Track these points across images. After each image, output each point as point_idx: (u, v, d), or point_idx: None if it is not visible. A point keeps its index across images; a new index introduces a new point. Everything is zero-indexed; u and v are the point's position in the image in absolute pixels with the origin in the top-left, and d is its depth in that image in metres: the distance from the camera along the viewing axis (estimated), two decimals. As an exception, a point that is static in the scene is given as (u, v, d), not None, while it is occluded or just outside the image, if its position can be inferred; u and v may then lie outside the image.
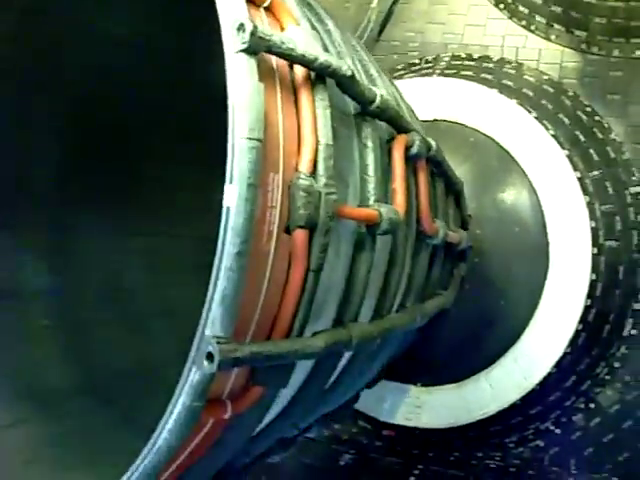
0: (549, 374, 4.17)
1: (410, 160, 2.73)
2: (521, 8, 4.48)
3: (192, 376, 1.92)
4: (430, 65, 4.63)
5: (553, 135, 4.14)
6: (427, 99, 4.32)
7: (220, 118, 3.72)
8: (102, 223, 3.68)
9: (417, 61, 4.73)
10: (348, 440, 4.66)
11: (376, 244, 2.46)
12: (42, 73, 3.15)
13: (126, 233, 3.78)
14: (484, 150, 4.24)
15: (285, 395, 2.42)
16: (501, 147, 4.21)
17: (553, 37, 4.40)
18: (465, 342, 4.25)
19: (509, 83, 4.32)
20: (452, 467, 4.34)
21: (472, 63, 4.56)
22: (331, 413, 3.26)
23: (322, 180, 2.15)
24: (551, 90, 4.34)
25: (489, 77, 4.36)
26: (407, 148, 2.69)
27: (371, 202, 2.43)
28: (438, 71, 4.50)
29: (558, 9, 4.26)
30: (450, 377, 4.32)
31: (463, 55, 4.68)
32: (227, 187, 1.91)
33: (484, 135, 4.24)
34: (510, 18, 4.56)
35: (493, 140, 4.23)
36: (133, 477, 2.09)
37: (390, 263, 2.64)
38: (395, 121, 2.65)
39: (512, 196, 4.19)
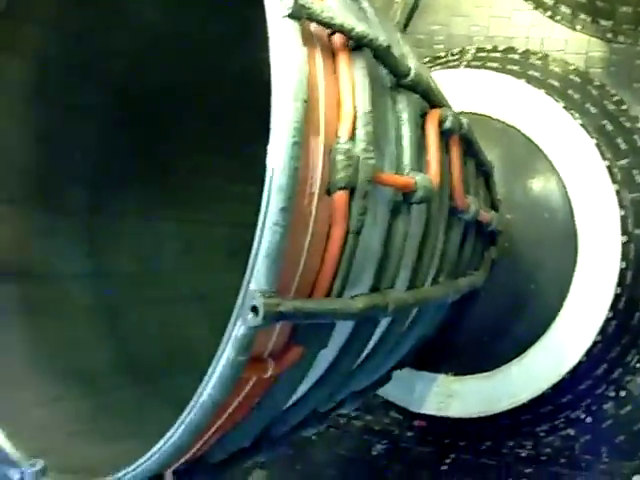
0: (579, 363, 4.15)
1: (443, 135, 2.79)
2: (546, -1, 4.54)
3: (237, 330, 1.99)
4: (456, 58, 4.68)
5: (581, 124, 4.17)
6: (453, 92, 4.34)
7: (251, 104, 3.83)
8: (136, 208, 3.79)
9: (443, 54, 4.79)
10: (380, 431, 4.67)
11: (411, 213, 2.53)
12: (80, 58, 3.25)
13: (159, 218, 3.88)
14: (511, 141, 4.26)
15: (324, 359, 2.47)
16: (528, 138, 4.25)
17: (578, 27, 4.44)
18: (495, 330, 4.25)
19: (535, 74, 4.35)
20: (483, 456, 4.33)
21: (498, 55, 4.60)
22: (364, 391, 3.30)
23: (361, 145, 2.23)
24: (577, 80, 4.37)
25: (515, 68, 4.40)
26: (440, 123, 2.75)
27: (406, 172, 2.49)
28: (464, 63, 4.56)
29: (584, -2, 4.32)
30: (481, 366, 4.30)
31: (489, 47, 4.72)
32: (271, 146, 1.99)
33: (511, 126, 4.27)
34: (535, 9, 4.59)
35: (520, 131, 4.26)
36: (177, 433, 2.15)
37: (424, 235, 2.69)
38: (428, 95, 2.72)
39: (540, 184, 4.20)
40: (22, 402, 2.92)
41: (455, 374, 4.39)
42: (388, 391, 4.62)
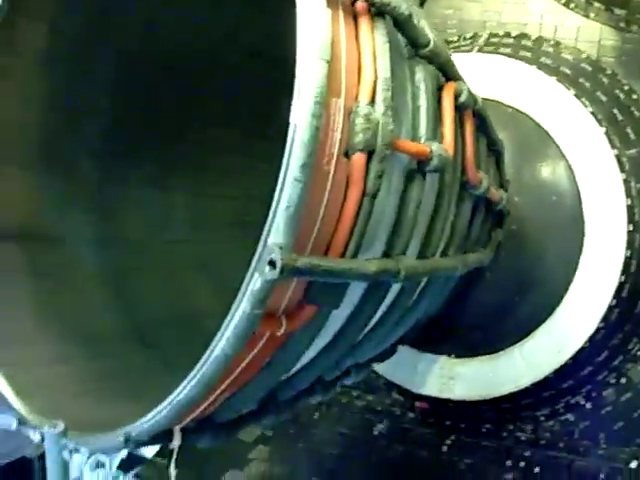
0: (582, 348, 4.19)
1: (457, 109, 2.82)
2: (559, -14, 4.55)
3: (254, 283, 2.01)
4: (468, 43, 4.71)
5: (591, 112, 4.20)
6: (465, 76, 4.40)
7: (264, 81, 3.85)
8: (147, 177, 3.83)
9: (455, 38, 4.82)
10: (382, 411, 4.72)
11: (425, 182, 2.55)
12: (95, 26, 3.27)
13: (169, 189, 3.91)
14: (521, 126, 4.29)
15: (335, 321, 2.50)
16: (538, 124, 4.28)
17: (592, 15, 4.47)
18: (499, 313, 4.29)
19: (547, 61, 4.39)
20: (484, 438, 4.37)
21: (510, 41, 4.63)
22: (369, 363, 3.33)
23: (380, 109, 2.26)
24: (589, 68, 4.41)
25: (527, 55, 4.44)
26: (456, 97, 2.78)
27: (422, 141, 2.52)
28: (476, 48, 4.59)
29: (597, -13, 4.34)
30: (484, 349, 4.35)
31: (501, 33, 4.75)
32: (294, 104, 2.02)
33: (522, 112, 4.30)
34: (549, -4, 4.63)
35: (530, 117, 4.29)
36: (189, 386, 2.17)
37: (436, 205, 2.72)
38: (445, 68, 2.75)
39: (549, 170, 4.24)
40: (31, 361, 2.96)
41: (458, 356, 4.42)
42: (391, 372, 4.67)
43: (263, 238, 2.02)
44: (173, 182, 3.97)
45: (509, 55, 4.42)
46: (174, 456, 2.43)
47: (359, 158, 2.21)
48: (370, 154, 2.24)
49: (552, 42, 4.51)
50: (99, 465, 3.55)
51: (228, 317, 2.09)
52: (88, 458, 2.92)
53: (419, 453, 4.36)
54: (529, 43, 4.54)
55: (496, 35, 4.68)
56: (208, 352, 2.14)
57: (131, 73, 3.52)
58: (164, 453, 4.50)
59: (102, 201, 3.63)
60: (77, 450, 3.51)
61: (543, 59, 4.38)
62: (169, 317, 3.58)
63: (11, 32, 3.07)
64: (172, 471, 2.45)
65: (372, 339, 2.91)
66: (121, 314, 3.46)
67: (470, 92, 2.88)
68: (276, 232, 1.98)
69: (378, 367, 4.67)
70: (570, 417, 4.30)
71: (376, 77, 2.31)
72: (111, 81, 3.49)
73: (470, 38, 4.75)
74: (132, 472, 3.67)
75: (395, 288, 2.67)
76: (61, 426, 2.64)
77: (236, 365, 2.28)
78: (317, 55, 2.01)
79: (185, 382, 2.22)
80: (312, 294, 2.28)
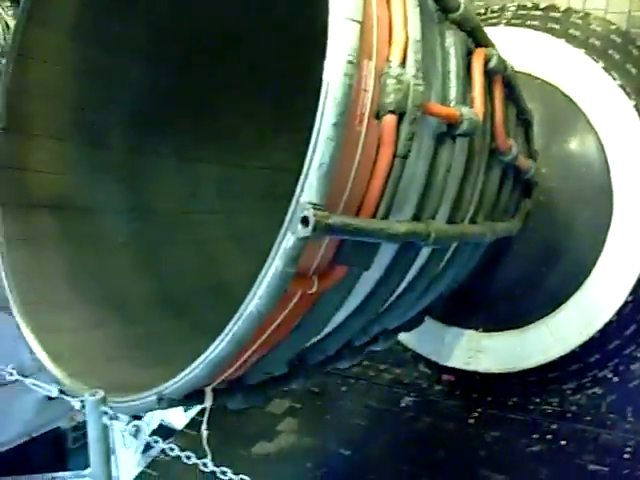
0: (610, 322, 4.17)
1: (487, 75, 2.82)
2: (589, -43, 4.49)
3: (286, 242, 2.04)
4: (496, 15, 4.67)
5: (620, 85, 4.16)
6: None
7: (293, 55, 3.86)
8: (178, 150, 3.88)
9: (483, 11, 4.78)
10: (409, 384, 4.76)
11: (455, 146, 2.56)
12: (126, 2, 3.32)
13: (200, 161, 3.95)
14: (550, 98, 4.26)
15: (365, 283, 2.52)
16: (567, 96, 4.25)
17: (621, -15, 4.43)
18: (527, 286, 4.28)
19: (576, 33, 4.35)
20: (510, 411, 4.38)
21: (539, 13, 4.58)
22: (397, 330, 3.35)
23: (411, 71, 2.27)
24: (618, 40, 4.35)
25: (556, 27, 4.40)
26: (485, 62, 2.79)
27: (452, 105, 2.53)
28: (504, 21, 4.55)
29: (628, -44, 4.27)
30: (512, 323, 4.36)
31: (529, 5, 4.70)
32: (327, 63, 2.04)
33: (550, 84, 4.27)
34: (578, -33, 4.57)
35: (559, 89, 4.26)
36: (223, 342, 2.21)
37: (465, 171, 2.73)
38: (475, 33, 2.76)
39: (578, 142, 4.21)
40: (64, 327, 3.04)
41: (486, 330, 4.43)
42: (418, 345, 4.70)
43: (295, 197, 2.05)
44: (203, 154, 4.01)
45: (537, 27, 4.39)
46: (206, 416, 2.48)
47: (390, 119, 2.23)
48: (401, 116, 2.26)
49: (581, 13, 4.47)
50: (138, 431, 3.67)
51: (260, 275, 2.13)
52: (127, 424, 3.01)
53: (446, 426, 4.38)
54: (558, 15, 4.49)
55: (524, 7, 4.63)
56: (240, 310, 2.17)
57: (163, 45, 3.57)
58: (194, 424, 4.58)
59: (134, 172, 3.70)
60: (116, 417, 3.63)
61: (572, 31, 4.34)
62: (199, 286, 3.63)
63: (45, 5, 3.14)
64: (204, 432, 2.49)
65: (400, 305, 2.93)
66: (152, 282, 3.53)
67: (500, 58, 2.88)
68: (309, 190, 2.01)
69: (406, 340, 4.75)
70: (597, 390, 4.29)
71: (407, 40, 2.33)
72: (143, 53, 3.54)
73: (498, 10, 4.70)
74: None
75: (424, 253, 2.69)
76: (101, 393, 2.72)
77: (268, 324, 2.31)
78: (349, 16, 2.03)
79: (218, 340, 2.26)
80: (343, 254, 2.32)
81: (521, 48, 4.34)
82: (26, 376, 6.06)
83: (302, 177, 2.02)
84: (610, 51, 4.27)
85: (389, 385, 4.77)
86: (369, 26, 2.17)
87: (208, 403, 2.47)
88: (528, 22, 4.45)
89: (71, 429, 6.73)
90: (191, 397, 2.43)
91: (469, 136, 2.56)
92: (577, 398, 4.32)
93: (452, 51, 2.57)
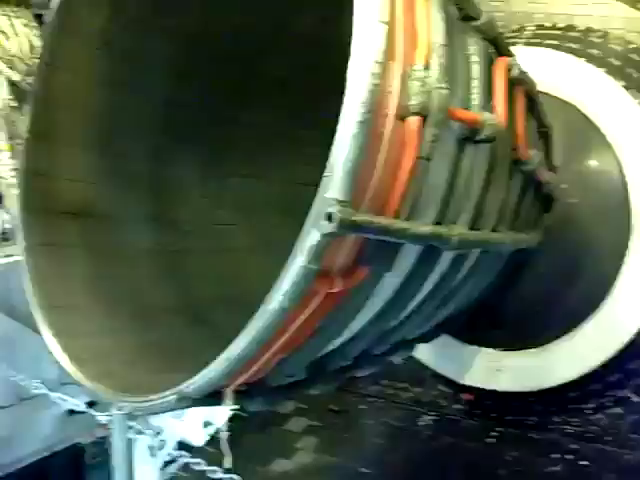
0: (630, 341, 4.14)
1: (509, 84, 2.84)
2: (608, -24, 4.54)
3: (310, 238, 2.05)
4: (515, 35, 4.72)
5: (641, 104, 4.19)
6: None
7: (314, 68, 3.90)
8: (201, 161, 3.94)
9: (502, 31, 4.81)
10: (428, 403, 4.74)
11: (477, 151, 2.58)
12: (153, 6, 3.39)
13: (223, 173, 4.00)
14: (570, 118, 4.28)
15: (387, 288, 2.52)
16: (586, 116, 4.27)
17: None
18: (547, 303, 4.26)
19: (595, 52, 4.38)
20: (530, 431, 4.33)
21: (557, 32, 4.62)
22: (415, 341, 3.34)
23: (435, 74, 2.30)
24: (638, 59, 4.39)
25: (575, 46, 4.44)
26: (507, 71, 2.81)
27: (475, 111, 2.55)
28: (523, 40, 4.60)
29: (646, -24, 4.32)
30: (531, 341, 4.34)
31: (548, 24, 4.74)
32: (353, 62, 2.07)
33: (570, 104, 4.30)
34: (597, -13, 4.63)
35: (578, 109, 4.29)
36: (245, 339, 2.21)
37: (487, 179, 2.74)
38: (498, 42, 2.80)
39: (597, 161, 4.23)
40: (84, 331, 3.05)
41: (505, 349, 4.40)
42: (437, 363, 4.68)
43: (320, 193, 2.07)
44: (227, 166, 4.06)
45: (556, 47, 4.42)
46: (226, 419, 2.48)
47: (414, 121, 2.25)
48: (424, 118, 2.29)
49: (600, 33, 4.51)
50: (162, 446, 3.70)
51: (284, 271, 2.14)
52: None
53: (465, 445, 4.33)
54: (577, 34, 4.53)
55: (543, 27, 4.68)
56: (263, 306, 2.18)
57: (187, 56, 3.62)
58: (213, 442, 4.58)
59: (157, 182, 3.75)
60: (142, 432, 3.65)
61: (591, 50, 4.37)
62: (220, 296, 3.64)
63: (74, 15, 3.21)
64: (223, 435, 2.49)
65: (420, 314, 2.92)
66: (172, 290, 3.54)
67: (521, 69, 2.90)
68: (334, 187, 2.02)
69: (424, 359, 4.74)
70: (618, 410, 4.23)
71: (431, 44, 2.37)
72: (168, 63, 3.60)
73: (517, 30, 4.76)
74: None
75: (446, 259, 2.69)
76: (127, 408, 2.72)
77: (290, 322, 2.31)
78: (376, 17, 2.07)
79: (239, 337, 2.27)
80: (365, 255, 2.32)
81: (540, 68, 4.36)
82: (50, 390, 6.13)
83: (327, 174, 2.04)
84: (630, 70, 4.30)
85: (408, 404, 4.75)
86: (394, 28, 2.21)
87: (228, 404, 2.46)
88: (547, 42, 4.48)
89: (90, 445, 6.72)
90: (211, 397, 2.43)
91: (491, 142, 2.58)
92: (598, 418, 4.26)
93: (475, 58, 2.60)
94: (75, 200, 3.38)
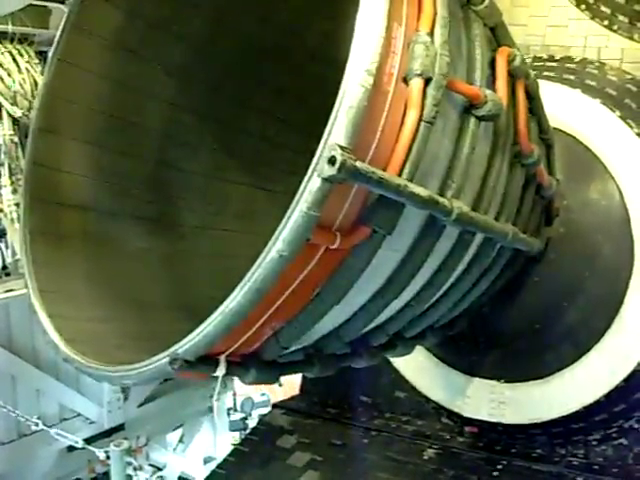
0: (634, 371, 4.03)
1: (510, 75, 2.88)
2: (603, 8, 4.66)
3: (312, 182, 2.04)
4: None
5: (638, 134, 4.23)
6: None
7: (320, 82, 3.96)
8: (204, 167, 3.96)
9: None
10: (431, 436, 4.58)
11: (479, 128, 2.59)
12: (166, 12, 3.49)
13: (225, 181, 4.02)
14: (568, 148, 4.31)
15: (388, 262, 2.49)
16: (585, 145, 4.31)
17: (636, 36, 4.57)
18: (550, 335, 4.16)
19: (592, 83, 4.47)
20: (535, 463, 4.14)
21: (554, 64, 4.74)
22: (415, 338, 3.24)
23: (438, 41, 2.36)
24: (634, 89, 4.46)
25: (571, 77, 4.53)
26: (509, 61, 2.86)
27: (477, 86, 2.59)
28: (522, 72, 4.71)
29: (641, 8, 4.46)
30: (535, 373, 4.22)
31: (545, 56, 4.85)
32: (360, 15, 2.11)
33: (568, 134, 4.35)
34: (592, 18, 4.73)
35: (577, 139, 4.33)
36: (245, 288, 2.16)
37: (489, 160, 2.76)
38: (500, 30, 2.87)
39: (597, 191, 4.24)
40: (79, 317, 3.02)
41: (508, 381, 4.29)
42: (440, 396, 4.56)
43: (324, 139, 2.06)
44: (230, 174, 4.11)
45: (553, 78, 4.52)
46: (218, 385, 2.37)
47: (417, 83, 2.29)
48: (427, 82, 2.32)
49: (597, 64, 4.62)
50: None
51: (284, 219, 2.11)
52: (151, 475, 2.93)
53: (469, 478, 4.14)
54: (573, 65, 4.65)
55: (540, 58, 4.80)
56: (263, 254, 2.13)
57: (197, 63, 3.72)
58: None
59: (161, 184, 3.78)
60: (141, 468, 3.57)
61: (588, 81, 4.47)
62: (216, 296, 3.59)
63: (91, 15, 3.32)
64: (215, 402, 2.38)
65: (421, 301, 2.87)
66: (169, 288, 3.52)
67: (523, 60, 2.95)
68: (337, 132, 2.03)
69: (428, 391, 4.63)
70: (623, 441, 4.08)
71: (435, 14, 2.43)
72: (178, 68, 3.68)
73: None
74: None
75: (448, 239, 2.66)
76: (125, 444, 2.65)
77: (289, 279, 2.26)
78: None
79: (238, 288, 2.21)
80: (367, 214, 2.30)
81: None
82: (50, 426, 6.02)
83: (331, 120, 2.04)
84: (626, 100, 4.37)
85: (411, 437, 4.57)
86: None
87: (221, 372, 2.37)
88: (544, 73, 4.58)
89: (89, 481, 6.60)
90: (205, 362, 2.35)
91: (493, 119, 2.60)
92: (603, 449, 4.10)
93: (477, 40, 2.67)
94: (78, 194, 3.41)
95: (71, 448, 6.36)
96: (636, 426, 4.10)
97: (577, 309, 4.13)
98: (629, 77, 4.51)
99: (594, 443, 4.14)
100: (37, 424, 5.77)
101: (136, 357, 2.72)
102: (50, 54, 3.33)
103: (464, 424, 4.51)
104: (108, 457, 3.56)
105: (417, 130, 2.28)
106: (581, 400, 4.13)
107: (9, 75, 8.42)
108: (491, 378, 4.38)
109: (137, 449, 7.44)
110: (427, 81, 2.30)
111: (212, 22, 3.62)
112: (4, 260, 7.99)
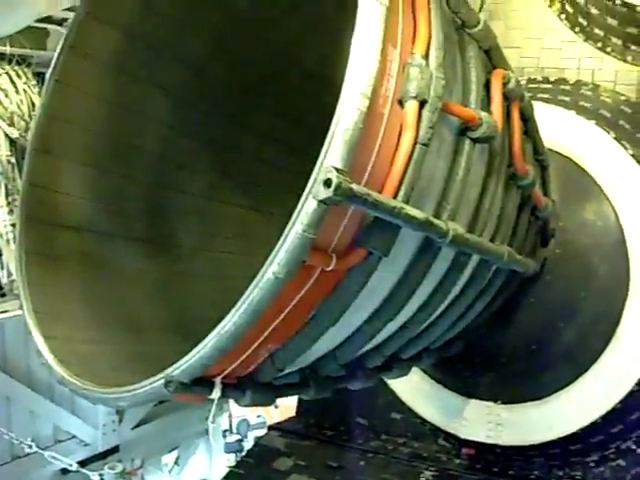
0: (631, 392, 4.02)
1: (505, 97, 2.90)
2: (596, 30, 4.70)
3: (308, 204, 2.05)
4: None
5: (632, 155, 4.26)
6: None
7: (316, 101, 3.99)
8: (201, 189, 3.98)
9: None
10: (428, 458, 4.55)
11: (474, 151, 2.60)
12: (164, 35, 3.51)
13: (221, 202, 4.02)
14: (564, 170, 4.34)
15: (384, 283, 2.49)
16: (580, 167, 4.33)
17: (629, 58, 4.61)
18: (546, 356, 4.17)
19: (586, 105, 4.51)
20: (533, 485, 4.15)
21: (549, 86, 4.77)
22: (411, 360, 3.23)
23: (433, 64, 2.38)
24: (628, 111, 4.50)
25: (566, 99, 4.57)
26: (504, 84, 2.88)
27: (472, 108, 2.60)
28: (516, 94, 4.74)
29: (634, 30, 4.48)
30: (531, 394, 4.21)
31: (539, 78, 4.89)
32: (356, 38, 2.13)
33: (563, 156, 4.38)
34: (585, 41, 4.78)
35: (572, 160, 4.36)
36: (241, 310, 2.17)
37: (484, 182, 2.77)
38: (494, 53, 2.89)
39: (593, 212, 4.27)
40: (74, 339, 3.01)
41: (505, 402, 4.27)
42: (437, 418, 4.54)
43: (319, 161, 2.07)
44: (225, 196, 4.12)
45: (548, 100, 4.56)
46: (214, 407, 2.36)
47: (412, 105, 2.31)
48: (422, 104, 2.34)
49: (591, 86, 4.66)
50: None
51: (280, 241, 2.11)
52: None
53: (467, 500, 4.14)
54: (567, 87, 4.68)
55: (534, 80, 4.84)
56: (259, 276, 2.13)
57: (195, 84, 3.75)
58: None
59: (157, 206, 3.78)
60: None
61: (582, 103, 4.51)
62: (214, 319, 3.58)
63: (87, 36, 3.34)
64: (210, 423, 2.37)
65: (415, 324, 2.87)
66: (165, 310, 3.51)
67: (518, 83, 2.97)
68: (333, 155, 2.04)
69: (424, 413, 4.61)
70: (621, 462, 4.05)
71: (430, 38, 2.45)
72: (175, 90, 3.70)
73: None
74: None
75: (444, 261, 2.66)
76: (119, 467, 2.64)
77: (284, 302, 2.25)
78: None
79: (234, 310, 2.21)
80: (363, 236, 2.30)
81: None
82: (44, 448, 5.97)
83: (327, 142, 2.05)
84: (621, 121, 4.40)
85: (408, 459, 4.54)
86: (394, 17, 2.29)
87: (217, 394, 2.35)
88: (539, 95, 4.61)
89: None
90: (200, 384, 2.34)
91: (488, 141, 2.62)
92: (600, 470, 4.07)
93: (472, 62, 2.70)
94: (74, 215, 3.42)
95: (65, 471, 6.34)
96: (633, 447, 4.08)
97: (573, 330, 4.13)
98: (623, 99, 4.55)
99: (592, 465, 4.12)
100: (31, 446, 5.72)
101: (131, 379, 2.71)
102: (47, 75, 3.32)
103: (461, 446, 4.49)
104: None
105: (412, 152, 2.29)
106: (578, 421, 4.12)
107: (6, 96, 8.49)
108: (488, 399, 4.37)
109: (132, 471, 7.41)
110: (422, 103, 2.32)
111: (210, 44, 3.64)
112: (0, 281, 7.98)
